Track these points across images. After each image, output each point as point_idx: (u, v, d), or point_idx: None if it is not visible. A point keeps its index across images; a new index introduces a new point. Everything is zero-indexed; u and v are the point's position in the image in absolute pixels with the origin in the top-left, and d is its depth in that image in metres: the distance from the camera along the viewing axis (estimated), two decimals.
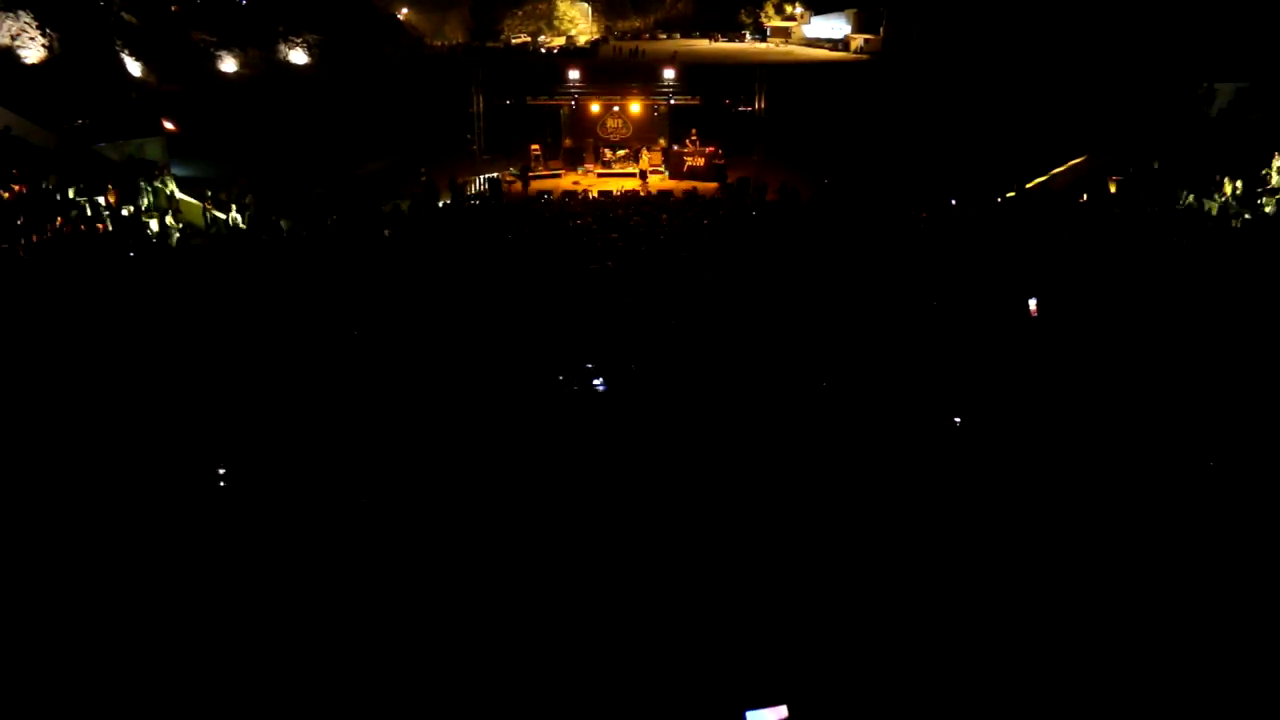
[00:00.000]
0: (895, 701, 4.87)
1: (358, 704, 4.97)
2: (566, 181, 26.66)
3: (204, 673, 5.17)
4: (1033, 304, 10.99)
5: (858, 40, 58.89)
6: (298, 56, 50.01)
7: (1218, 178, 15.96)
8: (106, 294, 12.31)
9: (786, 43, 65.82)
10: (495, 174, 25.60)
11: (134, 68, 39.27)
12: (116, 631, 5.46)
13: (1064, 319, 10.98)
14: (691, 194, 24.17)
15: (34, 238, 14.69)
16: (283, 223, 20.08)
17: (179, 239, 18.34)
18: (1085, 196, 18.76)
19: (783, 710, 4.15)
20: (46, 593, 5.80)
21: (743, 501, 6.81)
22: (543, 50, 62.72)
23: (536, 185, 26.16)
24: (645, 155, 27.16)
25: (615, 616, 5.53)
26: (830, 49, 60.31)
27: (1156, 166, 18.69)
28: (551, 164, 27.69)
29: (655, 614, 5.51)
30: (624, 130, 27.76)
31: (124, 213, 18.41)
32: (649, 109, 27.39)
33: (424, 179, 24.27)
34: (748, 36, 68.46)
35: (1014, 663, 5.13)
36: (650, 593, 5.72)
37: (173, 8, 44.98)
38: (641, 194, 24.65)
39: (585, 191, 24.92)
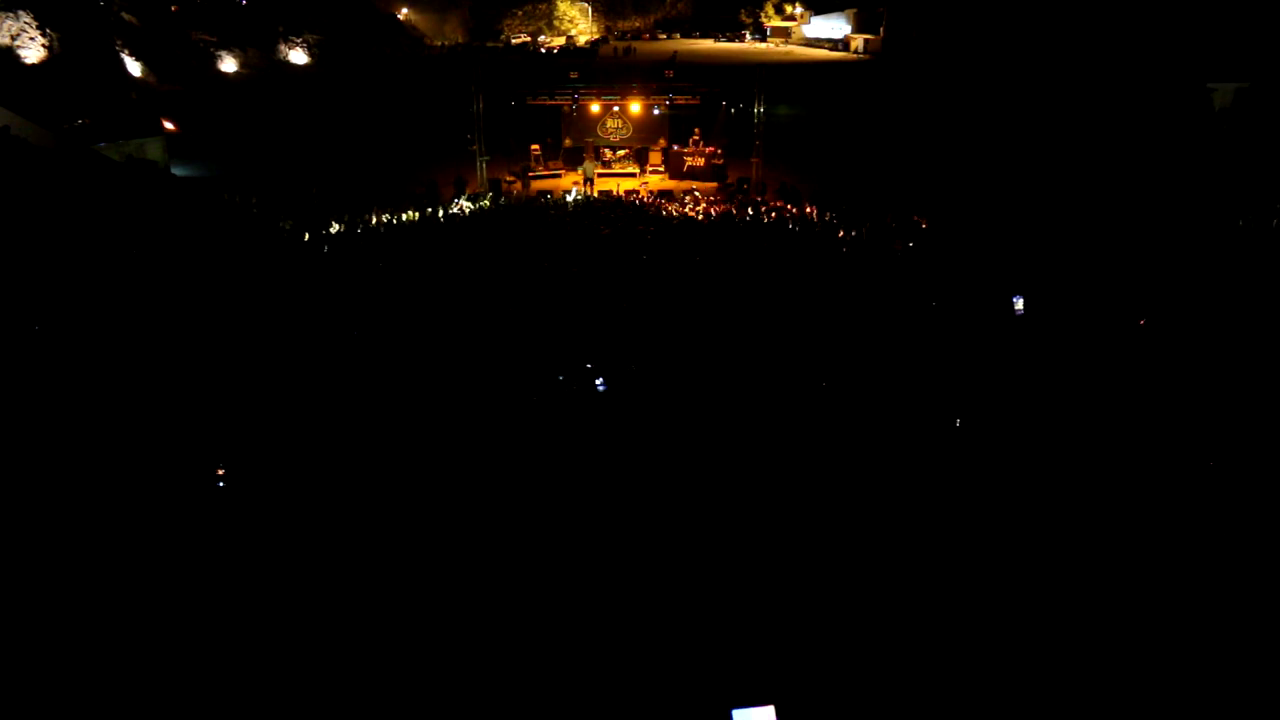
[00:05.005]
0: (885, 702, 4.87)
1: (357, 704, 4.98)
2: (566, 182, 26.67)
3: (203, 672, 5.18)
4: (1019, 303, 10.92)
5: (858, 40, 58.93)
6: (298, 56, 50.04)
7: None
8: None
9: (786, 43, 65.86)
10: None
11: (134, 68, 39.32)
12: (115, 631, 5.47)
13: (1052, 317, 10.96)
14: (691, 194, 24.21)
15: None
16: (284, 224, 20.09)
17: None
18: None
19: (769, 710, 4.14)
20: (45, 592, 5.80)
21: (735, 500, 6.81)
22: (542, 50, 62.77)
23: (536, 185, 26.17)
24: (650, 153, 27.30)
25: (605, 613, 5.53)
26: (830, 49, 60.36)
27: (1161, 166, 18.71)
28: (551, 164, 27.69)
29: (644, 611, 5.52)
30: (624, 130, 27.74)
31: None
32: (649, 109, 27.38)
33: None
34: (748, 36, 68.49)
35: (1009, 662, 5.14)
36: (640, 590, 5.73)
37: (173, 8, 45.05)
38: (642, 194, 24.67)
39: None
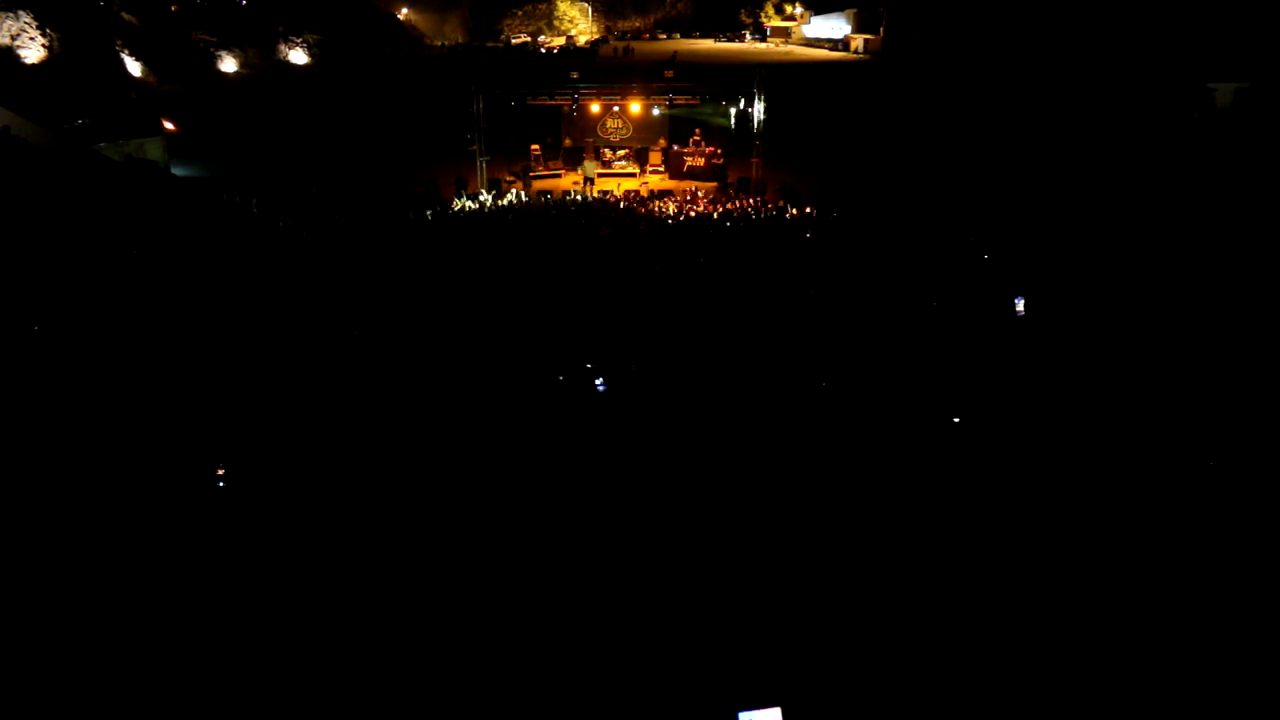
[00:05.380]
0: (891, 703, 4.86)
1: (357, 704, 4.96)
2: (566, 182, 26.67)
3: (204, 672, 5.17)
4: (1020, 304, 10.96)
5: (858, 40, 58.94)
6: (298, 56, 50.05)
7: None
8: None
9: (786, 43, 65.86)
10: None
11: (134, 68, 39.31)
12: (115, 631, 5.46)
13: (1052, 318, 10.97)
14: (692, 194, 24.21)
15: None
16: (284, 224, 20.09)
17: None
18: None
19: (776, 713, 4.13)
20: (46, 592, 5.80)
21: (739, 500, 6.80)
22: (542, 50, 62.75)
23: (536, 185, 26.17)
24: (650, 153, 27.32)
25: (609, 615, 5.53)
26: (830, 49, 60.36)
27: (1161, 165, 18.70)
28: (551, 164, 27.67)
29: (649, 613, 5.51)
30: (624, 130, 27.73)
31: None
32: (649, 109, 27.35)
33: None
34: (748, 36, 68.48)
35: (1011, 663, 5.13)
36: (644, 592, 5.72)
37: (173, 8, 45.06)
38: (642, 194, 24.66)
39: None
